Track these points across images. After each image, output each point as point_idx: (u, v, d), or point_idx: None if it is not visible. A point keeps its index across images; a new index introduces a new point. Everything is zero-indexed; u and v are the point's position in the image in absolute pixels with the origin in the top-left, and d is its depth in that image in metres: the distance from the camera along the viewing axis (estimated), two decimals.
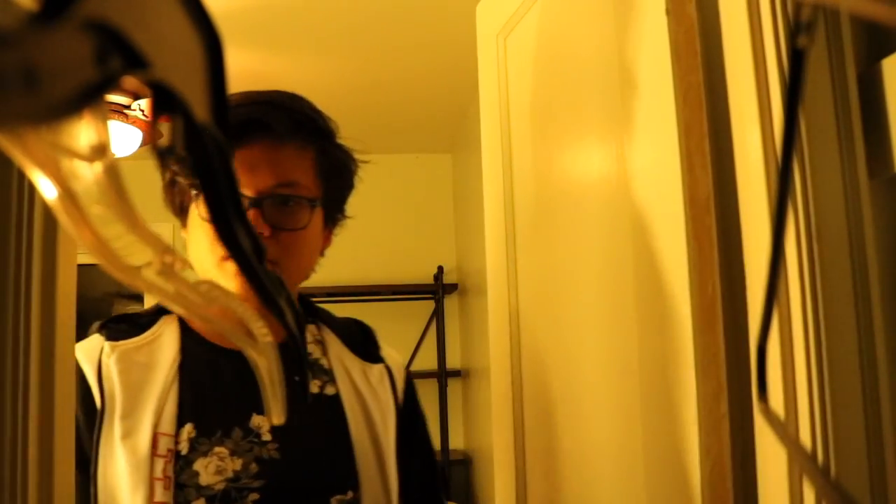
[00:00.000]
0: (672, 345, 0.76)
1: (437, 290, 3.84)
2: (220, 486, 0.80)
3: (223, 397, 0.86)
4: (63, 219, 0.23)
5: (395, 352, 1.03)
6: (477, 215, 3.05)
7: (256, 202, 0.81)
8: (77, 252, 0.60)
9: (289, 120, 0.85)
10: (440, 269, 3.89)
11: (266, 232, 0.81)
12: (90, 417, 0.80)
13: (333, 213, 0.94)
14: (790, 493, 0.58)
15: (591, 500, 0.98)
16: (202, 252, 0.84)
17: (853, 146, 0.58)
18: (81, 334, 0.75)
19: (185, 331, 0.89)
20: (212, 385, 0.86)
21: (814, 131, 0.58)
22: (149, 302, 4.25)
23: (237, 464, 0.82)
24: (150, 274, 0.26)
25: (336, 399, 0.89)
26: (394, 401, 0.91)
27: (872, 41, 0.60)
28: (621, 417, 0.93)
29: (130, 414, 0.80)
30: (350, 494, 0.85)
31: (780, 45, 0.60)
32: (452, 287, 3.85)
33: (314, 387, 0.90)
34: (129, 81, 0.21)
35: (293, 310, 0.33)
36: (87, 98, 0.18)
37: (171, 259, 0.25)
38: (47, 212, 0.51)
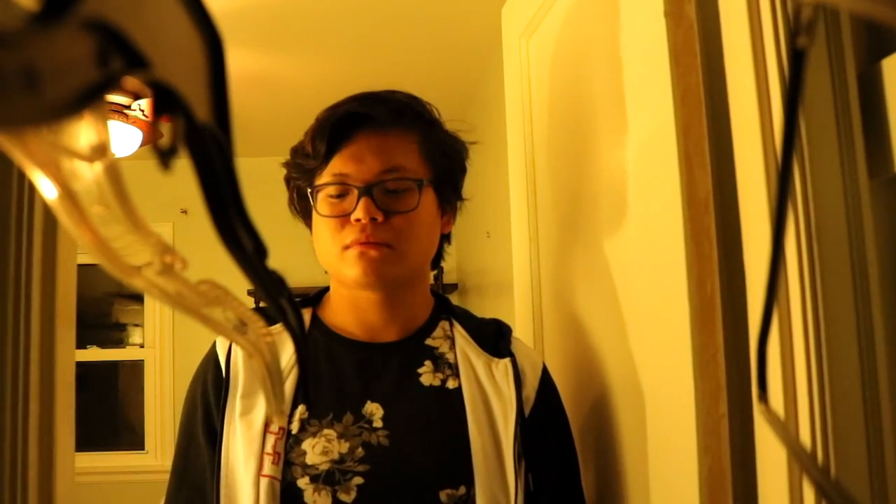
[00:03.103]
0: (671, 344, 0.76)
1: (437, 290, 3.84)
2: (325, 467, 0.83)
3: (338, 383, 0.89)
4: (63, 219, 0.23)
5: (532, 350, 1.01)
6: (477, 215, 3.04)
7: (365, 191, 0.85)
8: (77, 252, 0.60)
9: (388, 109, 0.89)
10: (440, 268, 3.89)
11: (379, 217, 0.85)
12: (219, 396, 0.86)
13: (447, 195, 0.96)
14: (790, 493, 0.58)
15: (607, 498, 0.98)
16: (325, 244, 0.89)
17: (853, 146, 0.58)
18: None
19: (315, 321, 0.95)
20: (329, 371, 0.90)
21: (814, 131, 0.58)
22: (148, 302, 4.25)
23: (343, 447, 0.84)
24: (150, 274, 0.26)
25: (457, 393, 0.88)
26: (517, 397, 0.87)
27: (872, 41, 0.60)
28: (634, 416, 0.93)
29: (250, 393, 0.86)
30: (462, 490, 0.83)
31: (780, 45, 0.60)
32: (452, 287, 3.85)
33: (436, 380, 0.89)
34: (130, 81, 0.21)
35: (294, 309, 0.33)
36: (88, 98, 0.18)
37: (171, 259, 0.25)
38: (47, 212, 0.51)
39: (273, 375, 0.34)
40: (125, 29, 0.19)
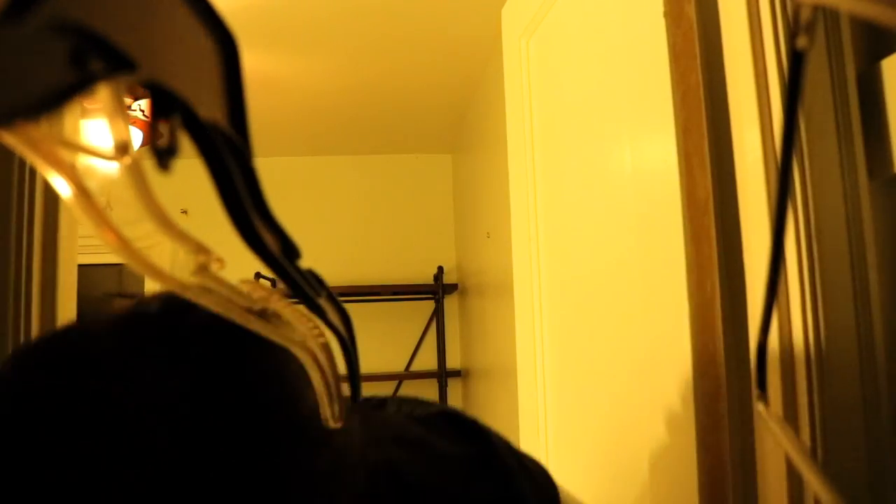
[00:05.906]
0: (671, 343, 0.76)
1: (437, 290, 3.84)
2: None
3: None
4: (82, 219, 0.23)
5: None
6: (477, 215, 3.04)
7: None
8: (77, 252, 0.60)
9: None
10: (440, 269, 3.89)
11: None
12: None
13: None
14: (790, 493, 0.58)
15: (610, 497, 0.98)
16: None
17: (853, 146, 0.58)
18: None
19: None
20: None
21: (814, 131, 0.58)
22: None
23: None
24: (185, 275, 0.25)
25: None
26: None
27: (872, 41, 0.60)
28: (633, 416, 0.93)
29: None
30: None
31: (780, 45, 0.60)
32: (452, 287, 3.85)
33: None
34: (129, 81, 0.20)
35: (337, 306, 0.32)
36: (62, 99, 0.17)
37: (205, 258, 0.24)
38: (47, 212, 0.51)
39: (329, 376, 0.31)
40: (101, 29, 0.18)
